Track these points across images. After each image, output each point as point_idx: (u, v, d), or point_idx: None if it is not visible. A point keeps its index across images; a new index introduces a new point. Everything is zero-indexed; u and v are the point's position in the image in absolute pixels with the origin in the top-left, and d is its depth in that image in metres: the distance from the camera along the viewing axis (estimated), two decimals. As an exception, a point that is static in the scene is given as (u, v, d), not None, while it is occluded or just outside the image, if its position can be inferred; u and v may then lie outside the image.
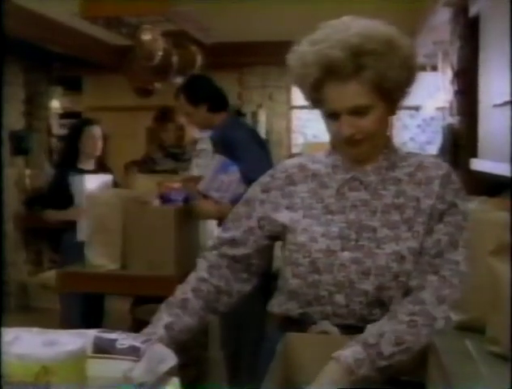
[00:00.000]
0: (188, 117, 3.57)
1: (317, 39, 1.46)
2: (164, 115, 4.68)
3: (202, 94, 3.45)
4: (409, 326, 1.41)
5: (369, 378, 1.38)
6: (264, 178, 1.68)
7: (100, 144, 4.07)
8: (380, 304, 1.48)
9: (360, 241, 1.48)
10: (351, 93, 1.44)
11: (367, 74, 1.43)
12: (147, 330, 1.54)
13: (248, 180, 3.14)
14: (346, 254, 1.48)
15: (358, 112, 1.46)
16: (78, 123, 4.39)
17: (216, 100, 3.47)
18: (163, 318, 1.57)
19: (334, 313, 1.49)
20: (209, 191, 3.28)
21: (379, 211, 1.50)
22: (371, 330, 1.42)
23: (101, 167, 4.10)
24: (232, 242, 1.65)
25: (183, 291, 1.63)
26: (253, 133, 3.70)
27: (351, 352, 1.38)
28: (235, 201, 3.21)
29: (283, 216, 1.58)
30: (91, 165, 4.08)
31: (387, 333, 1.39)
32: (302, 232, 1.53)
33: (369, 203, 1.51)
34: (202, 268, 1.66)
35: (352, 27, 1.45)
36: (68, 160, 4.08)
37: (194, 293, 1.62)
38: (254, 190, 1.67)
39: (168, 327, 1.56)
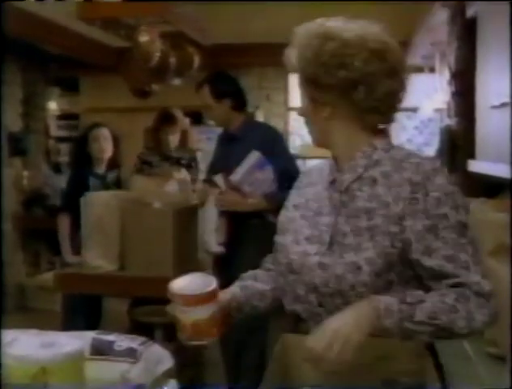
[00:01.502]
0: (208, 110, 3.49)
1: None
2: (166, 117, 4.62)
3: (228, 89, 3.41)
4: (450, 310, 1.37)
5: (389, 333, 1.36)
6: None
7: (106, 146, 4.08)
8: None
9: (333, 246, 1.46)
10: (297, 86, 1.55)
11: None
12: (222, 292, 1.58)
13: (288, 176, 3.14)
14: (316, 259, 1.46)
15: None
16: (84, 129, 4.44)
17: (239, 99, 3.45)
18: (236, 284, 1.67)
19: (312, 312, 1.49)
20: (242, 184, 3.26)
21: (352, 215, 1.46)
22: (414, 292, 1.40)
23: (111, 168, 4.11)
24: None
25: (250, 273, 1.72)
26: None
27: (385, 300, 1.36)
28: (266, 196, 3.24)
29: (281, 215, 1.63)
30: (102, 169, 4.10)
31: (427, 303, 1.37)
32: (289, 234, 1.56)
33: (347, 205, 1.49)
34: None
35: (327, 26, 1.48)
36: (81, 164, 4.10)
37: (262, 271, 1.72)
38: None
39: (243, 287, 1.65)
